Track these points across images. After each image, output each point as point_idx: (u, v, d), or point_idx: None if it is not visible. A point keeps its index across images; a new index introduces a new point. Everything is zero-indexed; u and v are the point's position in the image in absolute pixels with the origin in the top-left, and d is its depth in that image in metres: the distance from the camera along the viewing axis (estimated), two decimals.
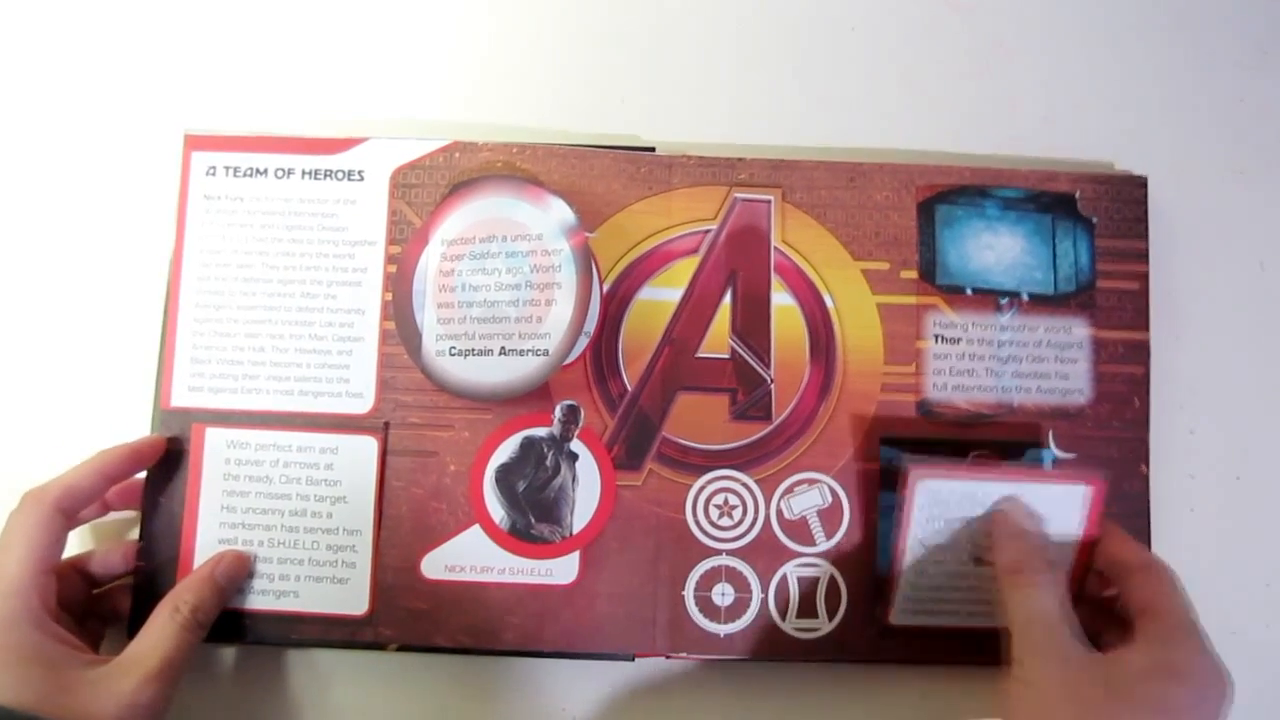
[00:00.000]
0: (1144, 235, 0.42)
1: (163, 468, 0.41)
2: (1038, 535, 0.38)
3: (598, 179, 0.42)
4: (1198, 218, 0.45)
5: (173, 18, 0.46)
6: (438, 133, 0.43)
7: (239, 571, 0.40)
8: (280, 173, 0.42)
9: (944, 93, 0.45)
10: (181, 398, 0.41)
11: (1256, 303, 0.45)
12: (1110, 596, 0.38)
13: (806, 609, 0.40)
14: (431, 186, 0.42)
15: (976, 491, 0.40)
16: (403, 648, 0.40)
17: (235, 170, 0.42)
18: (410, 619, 0.40)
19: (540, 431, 0.41)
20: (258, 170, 0.42)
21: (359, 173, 0.42)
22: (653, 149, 0.43)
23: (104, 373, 0.44)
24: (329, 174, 0.42)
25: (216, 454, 0.41)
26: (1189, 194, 0.45)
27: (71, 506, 0.37)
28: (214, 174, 0.42)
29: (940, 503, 0.40)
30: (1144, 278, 0.42)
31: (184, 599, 0.38)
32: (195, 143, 0.43)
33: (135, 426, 0.41)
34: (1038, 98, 0.46)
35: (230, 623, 0.40)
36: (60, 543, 0.37)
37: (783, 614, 0.40)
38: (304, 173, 0.42)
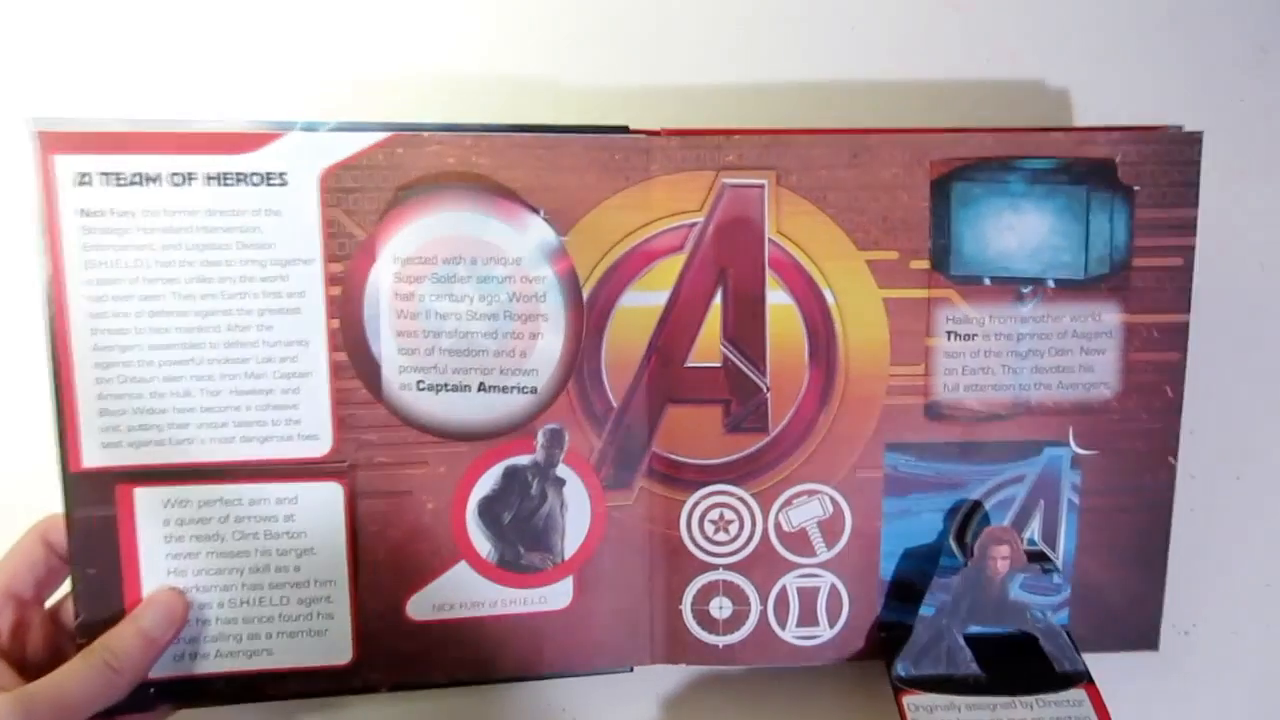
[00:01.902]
0: (1194, 202, 0.38)
1: (85, 538, 0.35)
2: None
3: (568, 171, 0.36)
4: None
5: None
6: (368, 115, 0.35)
7: (169, 616, 0.36)
8: (178, 179, 0.34)
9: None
10: (95, 456, 0.35)
11: (1256, 303, 0.44)
12: None
13: (807, 617, 0.40)
14: (373, 191, 0.35)
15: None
16: (395, 687, 0.38)
17: (116, 178, 0.34)
18: (401, 662, 0.38)
19: (523, 460, 0.38)
20: (147, 177, 0.34)
21: (280, 175, 0.35)
22: (625, 128, 0.37)
23: None
24: (241, 178, 0.34)
25: (152, 515, 0.36)
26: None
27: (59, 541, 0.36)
28: (88, 182, 0.34)
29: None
30: (1189, 251, 0.38)
31: (103, 644, 0.35)
32: (54, 142, 0.34)
33: (44, 496, 0.36)
34: (1032, 98, 0.43)
35: (203, 686, 0.37)
36: (33, 572, 0.36)
37: (782, 624, 0.40)
38: (209, 178, 0.34)
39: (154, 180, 0.34)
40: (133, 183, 0.34)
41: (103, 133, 0.34)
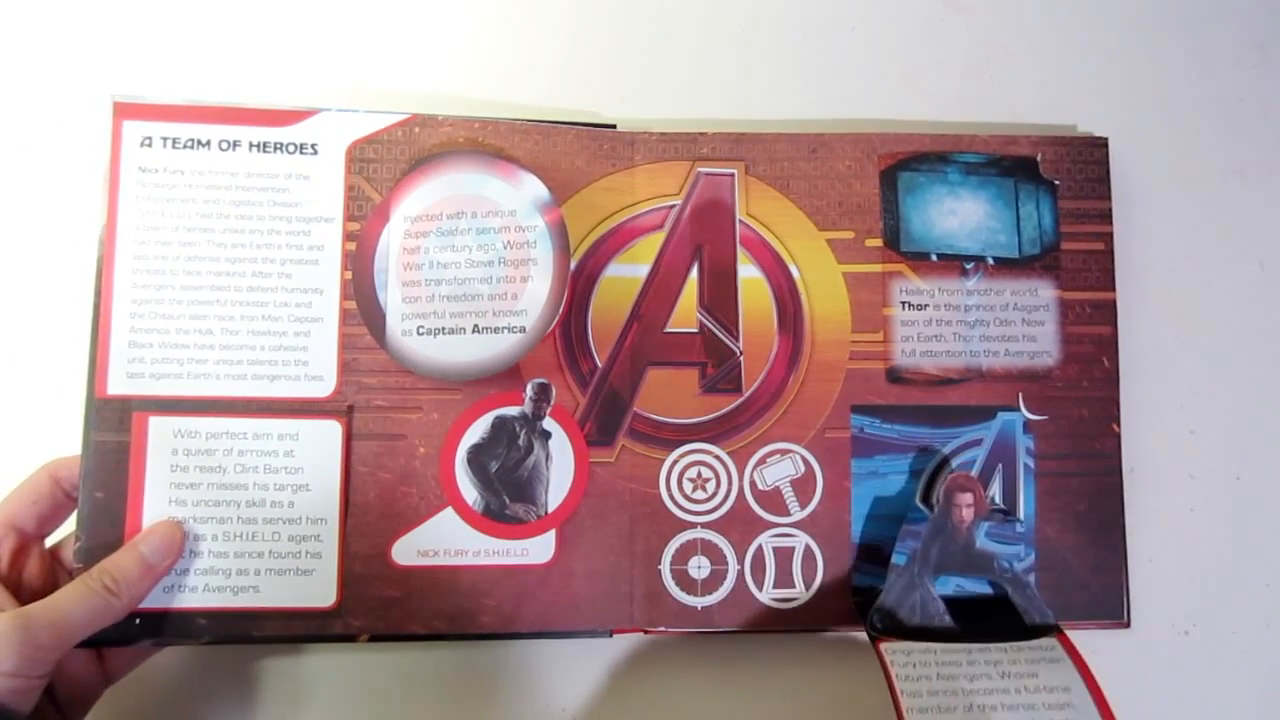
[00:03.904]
0: (1107, 195, 0.43)
1: (99, 461, 0.38)
2: None
3: (561, 155, 0.42)
4: (1197, 218, 0.45)
5: None
6: (392, 104, 0.41)
7: (168, 544, 0.37)
8: (225, 145, 0.40)
9: (936, 83, 0.46)
10: (119, 385, 0.38)
11: (1256, 303, 0.45)
12: None
13: (783, 579, 0.41)
14: (390, 162, 0.40)
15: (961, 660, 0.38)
16: (374, 638, 0.39)
17: (174, 141, 0.40)
18: (381, 608, 0.39)
19: (512, 410, 0.40)
20: (199, 142, 0.40)
21: (312, 146, 0.40)
22: (614, 126, 0.42)
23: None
24: (279, 147, 0.40)
25: (162, 444, 0.38)
26: (1188, 193, 0.45)
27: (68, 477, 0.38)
28: (149, 145, 0.39)
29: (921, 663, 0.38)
30: (1108, 238, 0.43)
31: (102, 568, 0.36)
32: (126, 110, 0.40)
33: (67, 417, 0.38)
34: (1033, 98, 0.46)
35: (186, 622, 0.38)
36: (38, 506, 0.37)
37: (759, 585, 0.41)
38: (251, 145, 0.40)
39: (205, 145, 0.40)
40: (187, 146, 0.40)
41: (167, 105, 0.40)
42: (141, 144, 0.39)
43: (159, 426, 0.38)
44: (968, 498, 0.40)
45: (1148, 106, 0.46)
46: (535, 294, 0.39)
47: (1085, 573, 0.41)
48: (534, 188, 0.40)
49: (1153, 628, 0.43)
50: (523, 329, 0.39)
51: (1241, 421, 0.44)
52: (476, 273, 0.40)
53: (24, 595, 0.36)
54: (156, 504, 0.38)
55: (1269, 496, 0.44)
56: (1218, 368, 0.44)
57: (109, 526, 0.38)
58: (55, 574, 0.38)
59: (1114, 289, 0.43)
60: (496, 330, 0.39)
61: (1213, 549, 0.43)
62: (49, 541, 0.39)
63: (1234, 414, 0.44)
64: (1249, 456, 0.44)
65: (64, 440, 0.39)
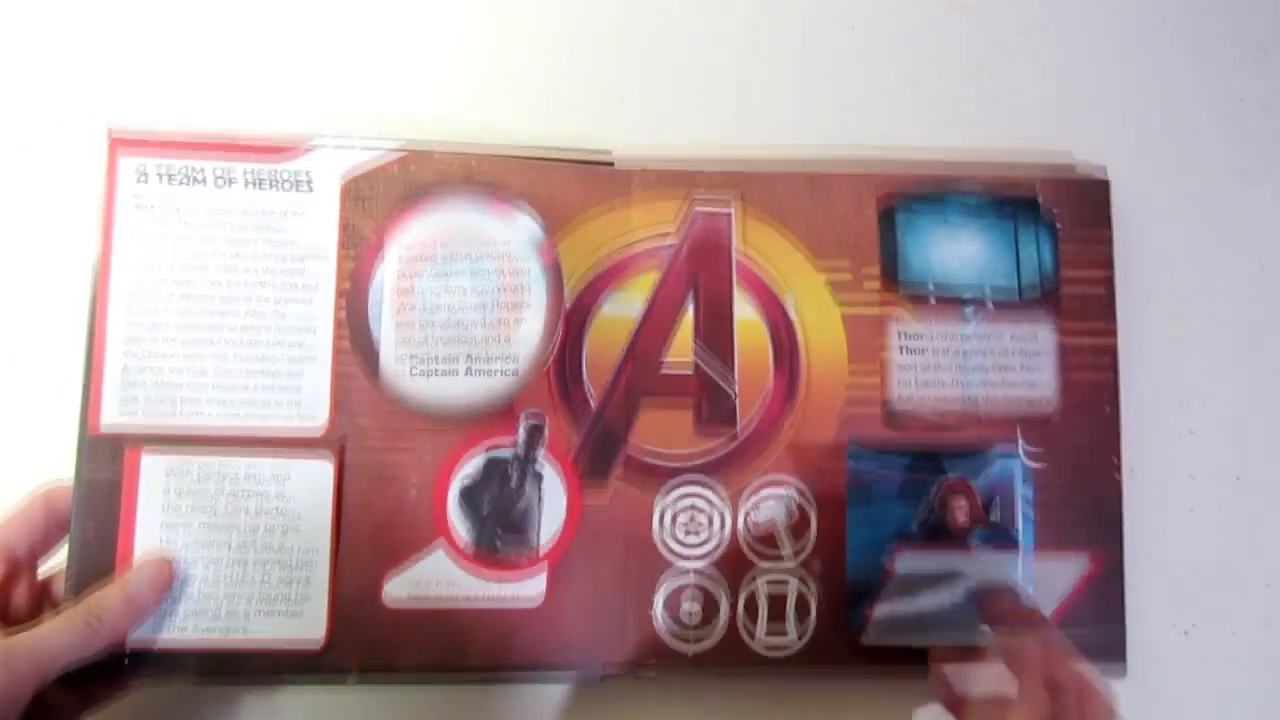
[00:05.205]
0: (1107, 237, 0.42)
1: (91, 497, 0.38)
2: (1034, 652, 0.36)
3: (557, 188, 0.41)
4: (1197, 217, 0.45)
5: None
6: (388, 133, 0.41)
7: (156, 580, 0.37)
8: (220, 180, 0.40)
9: (943, 91, 0.46)
10: (112, 421, 0.38)
11: (1256, 303, 0.45)
12: None
13: (776, 622, 0.40)
14: (385, 197, 0.40)
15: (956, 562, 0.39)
16: (364, 677, 0.39)
17: (169, 177, 0.39)
18: (371, 648, 0.39)
19: (504, 449, 0.40)
20: (195, 178, 0.40)
21: (307, 182, 0.40)
22: (610, 163, 0.42)
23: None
24: (275, 183, 0.40)
25: (154, 481, 0.38)
26: (1188, 194, 0.45)
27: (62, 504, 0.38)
28: (145, 180, 0.39)
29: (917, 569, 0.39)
30: (1108, 281, 0.42)
31: (87, 603, 0.36)
32: (122, 143, 0.40)
33: (59, 452, 0.38)
34: (1033, 98, 0.46)
35: (174, 661, 0.38)
36: (31, 533, 0.37)
37: (752, 628, 0.40)
38: (247, 181, 0.40)
39: (200, 180, 0.40)
40: (183, 182, 0.40)
41: (162, 137, 0.40)
42: (137, 179, 0.39)
43: (151, 463, 0.38)
44: (961, 500, 0.40)
45: (1148, 107, 0.46)
46: (528, 335, 0.39)
47: (1088, 619, 0.40)
48: (529, 225, 0.40)
49: (1153, 628, 0.42)
50: (515, 371, 0.39)
51: (1241, 421, 0.44)
52: (470, 312, 0.39)
53: (9, 621, 0.36)
54: (148, 540, 0.38)
55: (1269, 496, 0.44)
56: (1218, 368, 0.44)
57: (99, 562, 0.38)
58: (42, 604, 0.38)
59: (1115, 332, 0.42)
60: (489, 372, 0.39)
61: (1213, 549, 0.43)
62: (43, 569, 0.39)
63: (1234, 414, 0.44)
64: (1249, 456, 0.44)
65: (58, 473, 0.39)
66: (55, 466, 0.38)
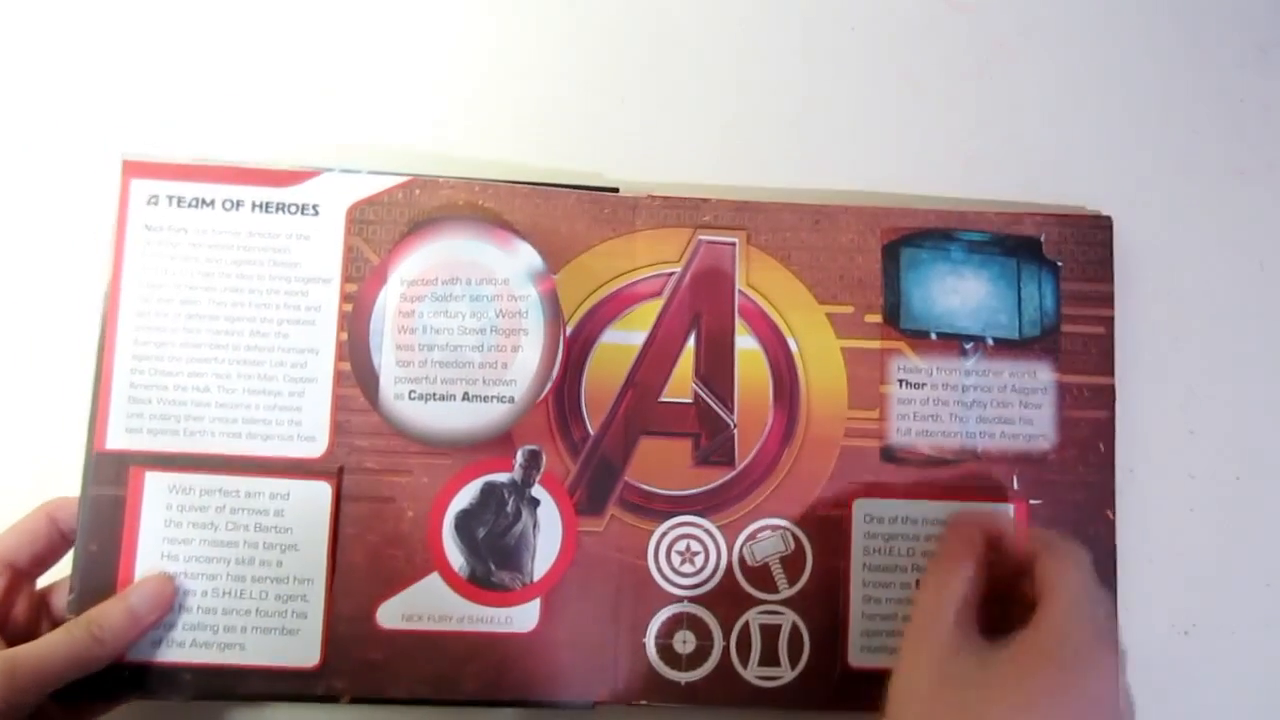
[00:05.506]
0: (1109, 278, 0.42)
1: (96, 514, 0.38)
2: (968, 525, 0.36)
3: (561, 219, 0.41)
4: (1197, 217, 0.45)
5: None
6: (394, 164, 0.42)
7: (157, 598, 0.38)
8: (229, 205, 0.40)
9: (942, 97, 0.46)
10: (118, 439, 0.39)
11: (1256, 303, 0.45)
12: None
13: (769, 657, 0.40)
14: (390, 224, 0.41)
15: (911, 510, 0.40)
16: (356, 700, 0.39)
17: (179, 200, 0.40)
18: (364, 670, 0.39)
19: (501, 477, 0.40)
20: (204, 201, 0.40)
21: (313, 207, 0.41)
22: (616, 189, 0.42)
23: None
24: (281, 207, 0.40)
25: (157, 499, 0.39)
26: (1188, 195, 0.45)
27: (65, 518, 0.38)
28: (155, 203, 0.40)
29: (877, 520, 0.40)
30: (1109, 321, 0.42)
31: (89, 616, 0.36)
32: (135, 169, 0.40)
33: (67, 469, 0.39)
34: (1033, 98, 0.46)
35: (171, 677, 0.38)
36: (33, 546, 0.38)
37: (744, 662, 0.40)
38: (254, 205, 0.40)
39: (209, 204, 0.40)
40: (191, 205, 0.40)
41: (174, 164, 0.40)
42: (148, 202, 0.40)
43: (155, 482, 0.39)
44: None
45: (1147, 107, 0.45)
46: (525, 364, 0.39)
47: None
48: (528, 255, 0.40)
49: (1153, 628, 0.42)
50: (511, 399, 0.39)
51: (1241, 421, 0.44)
52: (469, 340, 0.40)
53: (8, 633, 0.37)
54: (149, 558, 0.39)
55: (1269, 496, 0.44)
56: (1218, 368, 0.44)
57: (102, 578, 0.38)
58: (41, 618, 0.39)
59: (1113, 373, 0.42)
60: (486, 399, 0.39)
61: (1212, 549, 0.43)
62: (42, 581, 0.39)
63: (1234, 414, 0.44)
64: (1249, 456, 0.44)
65: (64, 490, 0.39)
66: (62, 483, 0.39)
